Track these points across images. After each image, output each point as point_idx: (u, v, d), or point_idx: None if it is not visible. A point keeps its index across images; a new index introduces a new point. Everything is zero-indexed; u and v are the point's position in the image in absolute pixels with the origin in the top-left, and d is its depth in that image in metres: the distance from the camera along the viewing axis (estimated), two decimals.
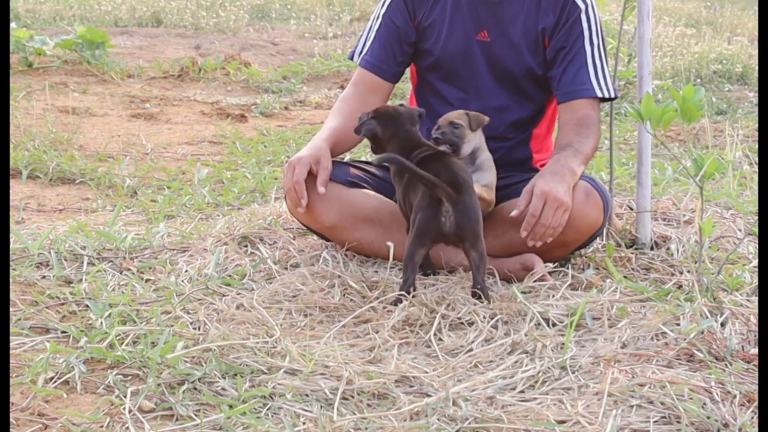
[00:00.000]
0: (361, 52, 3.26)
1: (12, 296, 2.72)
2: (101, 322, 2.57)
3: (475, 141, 3.05)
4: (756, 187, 3.98)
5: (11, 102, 5.63)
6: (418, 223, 2.76)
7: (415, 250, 2.76)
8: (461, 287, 2.86)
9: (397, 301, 2.73)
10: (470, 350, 2.50)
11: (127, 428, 2.06)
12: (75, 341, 2.49)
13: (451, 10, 3.16)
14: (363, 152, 4.78)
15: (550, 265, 2.99)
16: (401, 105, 3.06)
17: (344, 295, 2.83)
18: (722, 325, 2.57)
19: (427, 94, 3.28)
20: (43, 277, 2.97)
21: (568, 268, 3.05)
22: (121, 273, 3.01)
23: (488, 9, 3.14)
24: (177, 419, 2.12)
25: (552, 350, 2.47)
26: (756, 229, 3.29)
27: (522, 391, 2.27)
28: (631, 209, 3.54)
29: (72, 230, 3.35)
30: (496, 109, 3.17)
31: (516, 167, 3.23)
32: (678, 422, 2.11)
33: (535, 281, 2.92)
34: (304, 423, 2.10)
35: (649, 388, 2.22)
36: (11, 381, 2.20)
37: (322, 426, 2.06)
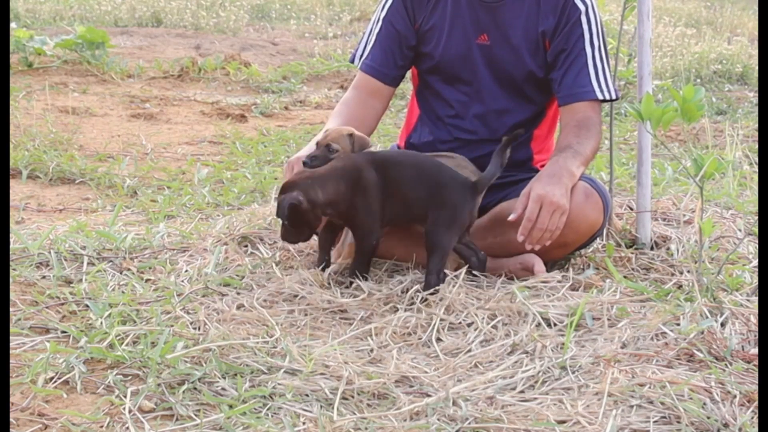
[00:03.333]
0: (361, 56, 3.26)
1: (12, 296, 2.72)
2: (101, 322, 2.57)
3: None
4: (756, 187, 3.98)
5: (11, 102, 5.63)
6: (457, 219, 2.86)
7: (453, 243, 2.89)
8: (460, 287, 2.86)
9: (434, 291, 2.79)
10: (470, 350, 2.50)
11: (127, 428, 2.06)
12: (75, 341, 2.49)
13: (451, 13, 3.15)
14: None
15: (558, 276, 2.97)
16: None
17: (344, 295, 2.83)
18: (722, 325, 2.57)
19: (428, 96, 3.27)
20: (43, 277, 2.97)
21: (568, 269, 3.05)
22: (121, 273, 3.01)
23: (488, 12, 3.13)
24: (177, 419, 2.12)
25: (552, 350, 2.47)
26: (756, 229, 3.29)
27: (522, 391, 2.27)
28: (631, 209, 3.54)
29: (72, 230, 3.35)
30: (497, 112, 3.17)
31: (516, 168, 3.23)
32: (678, 422, 2.11)
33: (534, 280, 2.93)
34: (304, 423, 2.10)
35: (649, 388, 2.22)
36: (11, 381, 2.20)
37: (322, 426, 2.06)
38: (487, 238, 3.03)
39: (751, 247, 3.27)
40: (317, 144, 3.00)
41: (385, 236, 3.00)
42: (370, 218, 2.89)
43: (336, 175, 2.88)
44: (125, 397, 2.16)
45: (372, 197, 2.88)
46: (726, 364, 2.36)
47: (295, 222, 2.83)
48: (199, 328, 2.58)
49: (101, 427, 2.06)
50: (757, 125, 5.74)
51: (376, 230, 2.91)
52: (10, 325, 2.52)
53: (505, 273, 3.02)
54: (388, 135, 5.44)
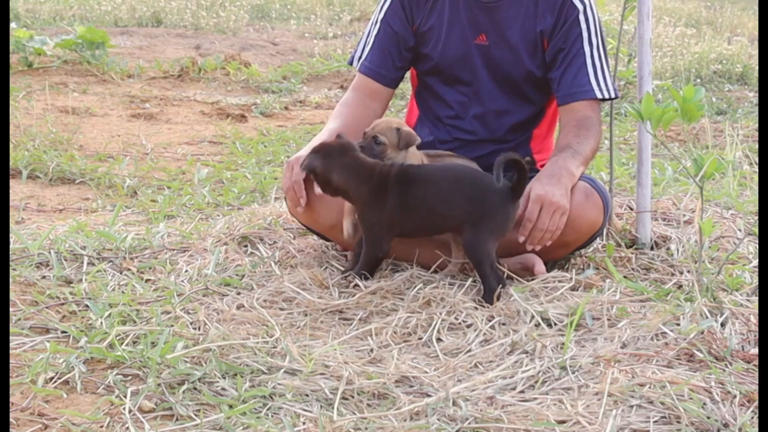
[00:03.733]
0: (360, 57, 3.26)
1: (12, 296, 2.72)
2: (101, 322, 2.57)
3: (399, 160, 2.94)
4: (756, 187, 3.98)
5: (11, 102, 5.63)
6: (498, 227, 2.79)
7: (494, 248, 2.81)
8: (459, 286, 2.86)
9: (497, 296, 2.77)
10: (470, 350, 2.50)
11: (127, 428, 2.06)
12: (75, 341, 2.49)
13: (449, 14, 3.15)
14: None
15: (558, 276, 2.96)
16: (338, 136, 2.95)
17: (342, 295, 2.83)
18: (722, 325, 2.57)
19: (427, 97, 3.28)
20: (43, 277, 2.97)
21: (568, 269, 3.05)
22: (121, 273, 3.01)
23: (486, 13, 3.13)
24: (177, 419, 2.12)
25: (552, 350, 2.47)
26: (756, 229, 3.29)
27: (522, 391, 2.28)
28: (631, 209, 3.54)
29: (72, 230, 3.35)
30: (496, 112, 3.17)
31: None
32: (678, 422, 2.11)
33: (533, 278, 2.92)
34: (304, 423, 2.10)
35: (649, 388, 2.22)
36: (11, 381, 2.20)
37: (322, 426, 2.06)
38: None
39: (751, 247, 3.27)
40: (364, 134, 3.00)
41: None
42: (378, 233, 2.87)
43: (362, 176, 2.84)
44: (125, 397, 2.16)
45: (384, 217, 2.84)
46: (726, 364, 2.36)
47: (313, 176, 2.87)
48: (199, 328, 2.58)
49: (101, 427, 2.06)
50: (757, 125, 5.74)
51: (385, 245, 2.88)
52: (10, 325, 2.53)
53: (506, 273, 3.02)
54: None
